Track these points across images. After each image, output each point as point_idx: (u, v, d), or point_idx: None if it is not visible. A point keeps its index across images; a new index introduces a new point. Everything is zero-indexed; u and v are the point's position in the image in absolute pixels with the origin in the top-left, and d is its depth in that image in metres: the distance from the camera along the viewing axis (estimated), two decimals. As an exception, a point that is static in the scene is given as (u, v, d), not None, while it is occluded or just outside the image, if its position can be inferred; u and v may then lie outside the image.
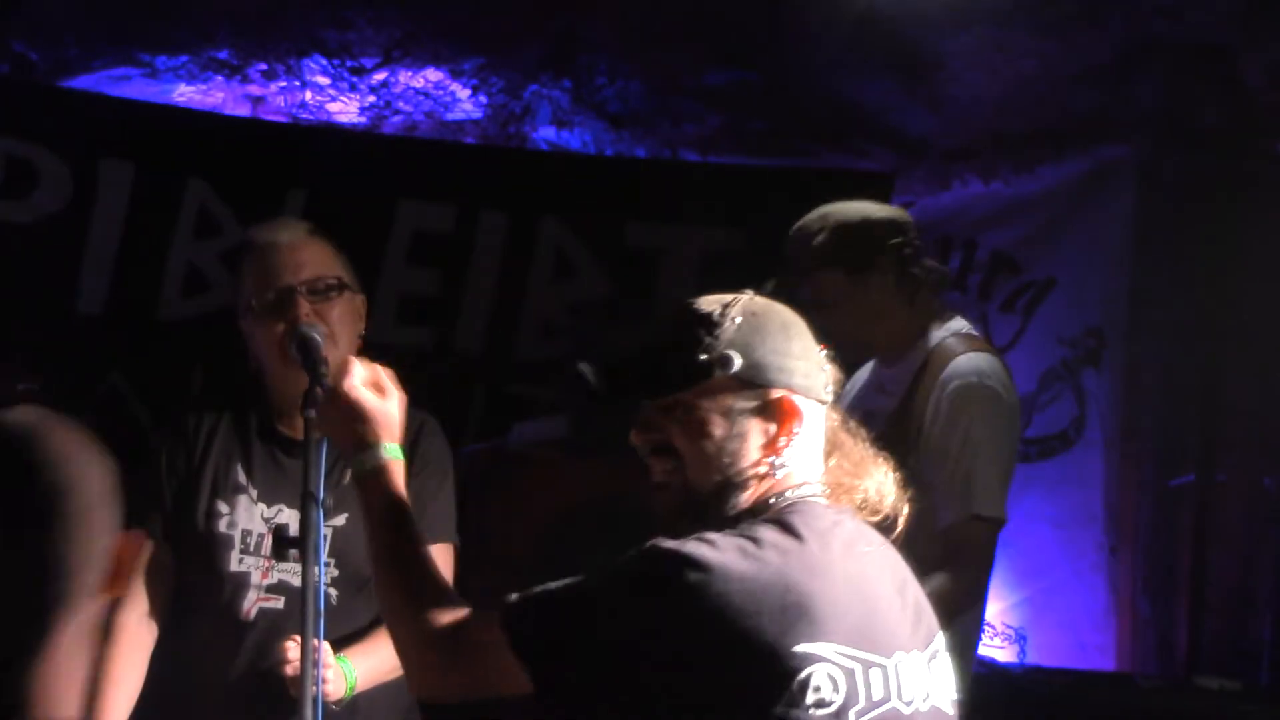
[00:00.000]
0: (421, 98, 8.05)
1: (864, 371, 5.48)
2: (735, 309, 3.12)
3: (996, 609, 7.58)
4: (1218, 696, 6.22)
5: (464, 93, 8.03)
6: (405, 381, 4.18)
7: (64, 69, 7.53)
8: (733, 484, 3.08)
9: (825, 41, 7.55)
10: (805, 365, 3.15)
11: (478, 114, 8.11)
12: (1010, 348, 7.77)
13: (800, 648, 2.82)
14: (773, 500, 3.07)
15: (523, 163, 8.19)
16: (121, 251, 7.30)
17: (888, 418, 5.11)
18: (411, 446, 4.43)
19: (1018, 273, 8.09)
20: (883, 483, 3.27)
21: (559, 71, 7.91)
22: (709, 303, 3.14)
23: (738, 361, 3.05)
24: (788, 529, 2.93)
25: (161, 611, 4.50)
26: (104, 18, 7.40)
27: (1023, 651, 7.79)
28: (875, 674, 2.95)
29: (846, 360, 4.22)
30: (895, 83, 7.82)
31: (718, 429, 3.02)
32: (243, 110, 7.87)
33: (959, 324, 5.34)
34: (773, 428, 3.06)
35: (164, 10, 7.38)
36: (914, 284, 5.30)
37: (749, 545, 2.87)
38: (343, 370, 3.48)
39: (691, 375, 3.03)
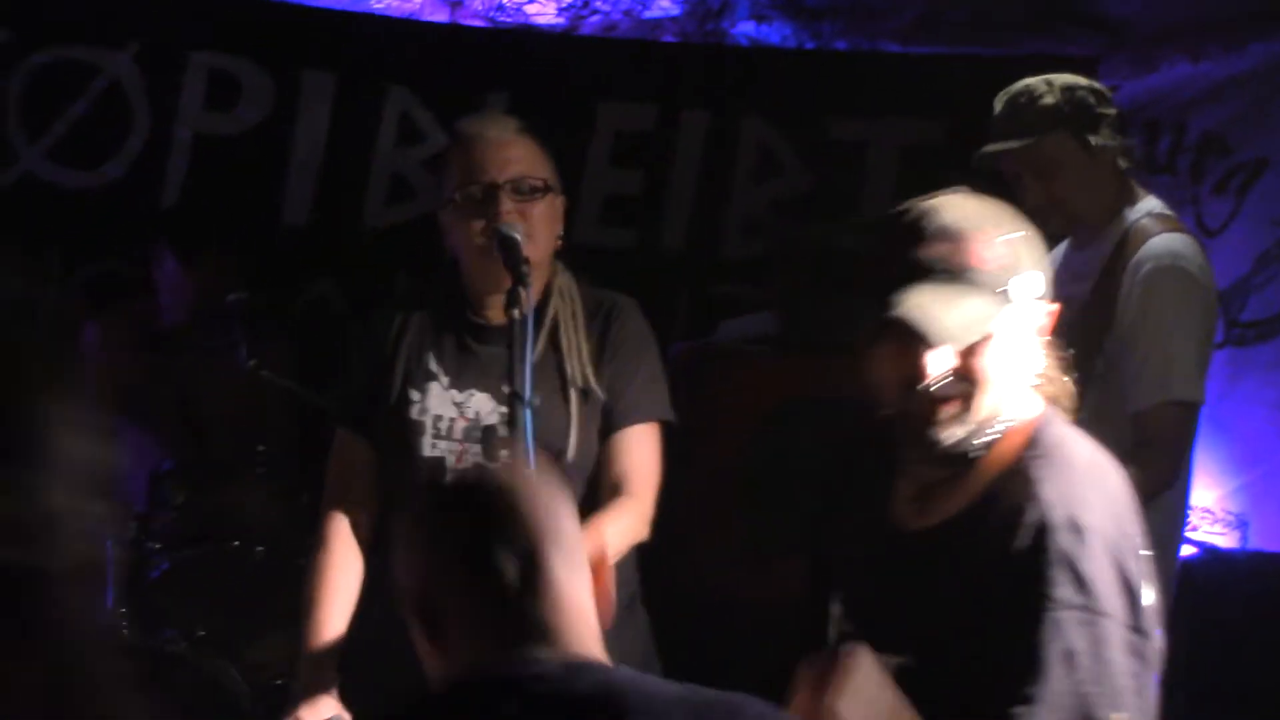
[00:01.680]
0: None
1: (1055, 252, 5.23)
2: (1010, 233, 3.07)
3: (1215, 495, 7.38)
4: None
5: None
6: (610, 282, 4.62)
7: None
8: (1002, 417, 3.07)
9: None
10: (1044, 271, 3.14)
11: (675, 10, 8.10)
12: (1223, 230, 7.52)
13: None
14: (1034, 435, 3.07)
15: (722, 59, 8.07)
16: (325, 161, 7.43)
17: (1082, 305, 5.03)
18: (604, 329, 4.47)
19: (1229, 154, 7.68)
20: (1065, 380, 3.26)
21: None
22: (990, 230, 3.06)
23: (1022, 285, 3.02)
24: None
25: (369, 510, 4.50)
26: None
27: (1244, 537, 7.46)
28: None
29: (1054, 237, 5.00)
30: None
31: (1008, 356, 3.00)
32: (440, 15, 7.90)
33: (1153, 204, 5.21)
34: (1036, 343, 3.09)
35: None
36: (1127, 155, 5.19)
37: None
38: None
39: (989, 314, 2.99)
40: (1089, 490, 3.03)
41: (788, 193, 7.60)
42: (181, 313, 6.79)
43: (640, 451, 4.42)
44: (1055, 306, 3.11)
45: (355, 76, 7.44)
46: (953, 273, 2.97)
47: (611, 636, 3.24)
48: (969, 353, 2.97)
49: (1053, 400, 3.22)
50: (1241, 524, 7.47)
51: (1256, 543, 7.39)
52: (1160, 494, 4.83)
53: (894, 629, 3.15)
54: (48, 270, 7.19)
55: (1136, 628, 2.98)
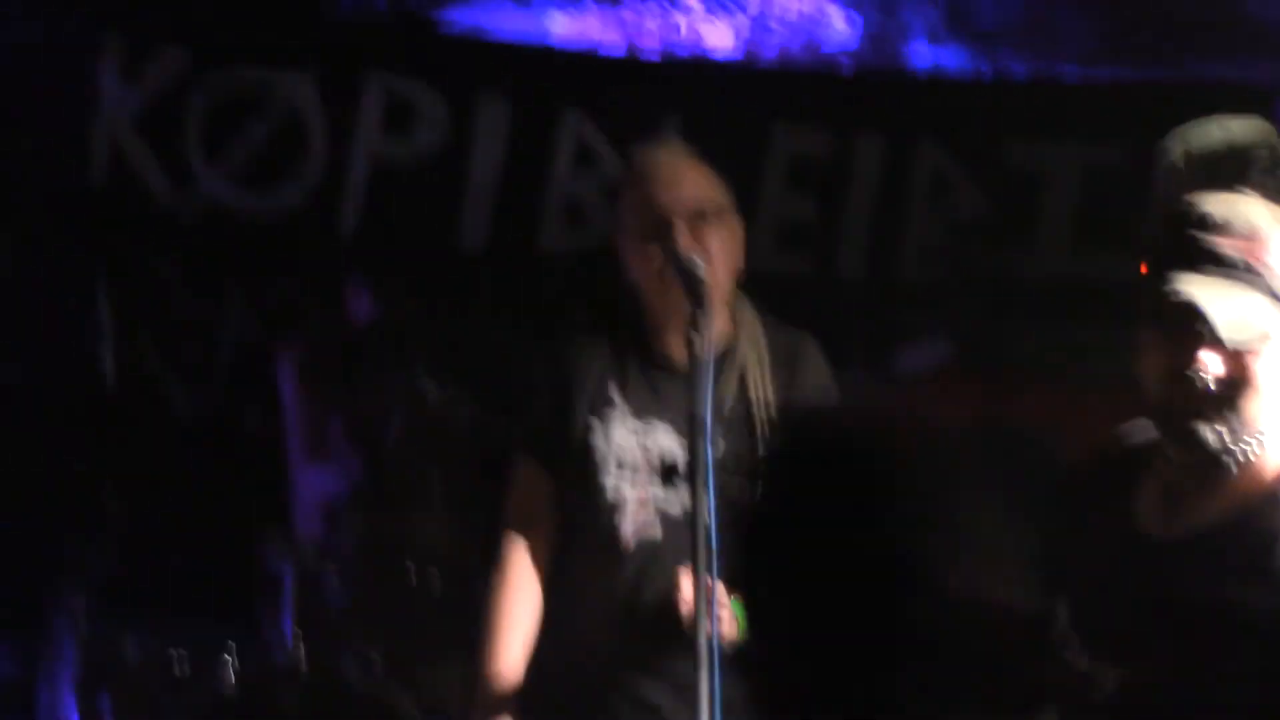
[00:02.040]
0: (797, 22, 7.96)
1: None
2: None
3: None
4: None
5: (838, 15, 7.94)
6: (786, 308, 4.72)
7: (438, 4, 7.63)
8: (1267, 428, 3.06)
9: None
10: None
11: (853, 39, 8.00)
12: None
13: None
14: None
15: (897, 85, 8.05)
16: (501, 187, 7.36)
17: None
18: (791, 368, 4.54)
19: None
20: None
21: None
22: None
23: None
24: None
25: (549, 541, 4.58)
26: None
27: None
28: None
29: None
30: None
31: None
32: (615, 37, 7.79)
33: None
34: None
35: None
36: None
37: None
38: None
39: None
40: None
41: (964, 218, 7.53)
42: (362, 340, 6.96)
43: None
44: None
45: (530, 102, 7.41)
46: (1240, 268, 2.98)
47: None
48: (1244, 352, 2.97)
49: None
50: None
51: None
52: None
53: (1128, 636, 3.14)
54: (234, 295, 7.30)
55: None
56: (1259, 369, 3.01)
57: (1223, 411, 3.00)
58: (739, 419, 4.40)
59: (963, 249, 7.38)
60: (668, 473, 4.48)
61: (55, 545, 6.88)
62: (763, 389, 4.52)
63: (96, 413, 7.22)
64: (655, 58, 7.88)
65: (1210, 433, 3.01)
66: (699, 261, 4.20)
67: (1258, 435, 3.06)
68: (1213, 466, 3.09)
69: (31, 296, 7.14)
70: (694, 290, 4.11)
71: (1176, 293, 2.98)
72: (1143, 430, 3.25)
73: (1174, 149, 4.92)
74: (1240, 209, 3.10)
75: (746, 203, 5.00)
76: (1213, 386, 3.00)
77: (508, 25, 7.65)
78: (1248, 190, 4.40)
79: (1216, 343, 2.97)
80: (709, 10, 7.94)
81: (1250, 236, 3.04)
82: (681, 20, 7.89)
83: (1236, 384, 3.01)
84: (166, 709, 6.39)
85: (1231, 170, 4.72)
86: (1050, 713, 3.22)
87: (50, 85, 7.11)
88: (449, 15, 7.64)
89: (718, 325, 4.32)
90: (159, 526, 6.97)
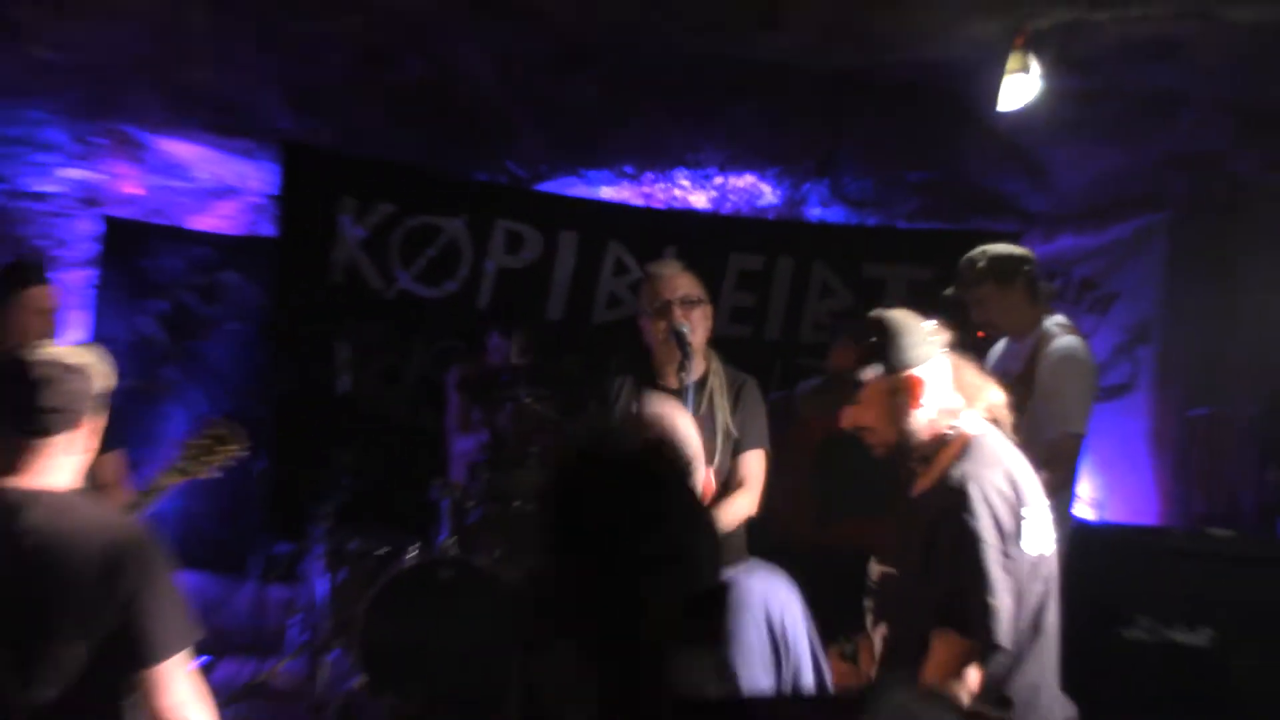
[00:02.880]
0: (743, 193, 9.08)
1: (1000, 345, 6.05)
2: (884, 329, 3.64)
3: (1086, 487, 8.23)
4: (1222, 540, 6.33)
5: (767, 189, 9.04)
6: (735, 359, 5.18)
7: (536, 179, 8.83)
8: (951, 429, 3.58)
9: (979, 156, 8.36)
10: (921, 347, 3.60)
11: (776, 201, 9.14)
12: (1093, 333, 8.37)
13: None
14: (945, 433, 3.59)
15: (801, 228, 9.09)
16: (572, 282, 8.57)
17: (1018, 376, 5.71)
18: (737, 395, 5.04)
19: (1095, 288, 8.81)
20: (994, 394, 3.78)
21: (822, 175, 8.86)
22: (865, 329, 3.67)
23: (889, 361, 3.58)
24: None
25: None
26: (559, 152, 8.64)
27: (1101, 512, 8.46)
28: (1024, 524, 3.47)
29: (992, 339, 5.88)
30: (1021, 178, 8.68)
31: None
32: (638, 200, 8.98)
33: (1059, 318, 5.91)
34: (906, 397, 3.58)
35: (592, 148, 8.62)
36: (1035, 293, 5.85)
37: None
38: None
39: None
40: (985, 469, 3.49)
41: (839, 307, 8.69)
42: (492, 369, 7.71)
43: (753, 465, 5.05)
44: (914, 376, 3.55)
45: (589, 234, 8.51)
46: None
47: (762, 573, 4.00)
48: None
49: (994, 420, 3.71)
50: (1101, 505, 8.58)
51: (1109, 517, 8.47)
52: (1062, 488, 5.52)
53: (900, 559, 3.62)
54: (418, 345, 8.47)
55: (1006, 553, 3.41)
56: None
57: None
58: (707, 421, 4.83)
59: (838, 324, 8.44)
60: None
61: (315, 485, 7.60)
62: (723, 405, 5.04)
63: (341, 410, 8.27)
64: (662, 210, 9.04)
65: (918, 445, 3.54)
66: (686, 329, 4.85)
67: (947, 435, 3.59)
68: (920, 466, 3.59)
69: (302, 347, 8.18)
70: (683, 346, 4.80)
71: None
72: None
73: (977, 256, 5.81)
74: (876, 322, 3.67)
75: (713, 296, 5.48)
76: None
77: (576, 190, 8.87)
78: (1018, 283, 5.65)
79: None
80: (694, 185, 8.97)
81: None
82: (677, 190, 9.06)
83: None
84: (375, 578, 7.06)
85: (1008, 268, 5.77)
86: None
87: (313, 224, 8.17)
88: (541, 186, 8.78)
89: (697, 366, 4.93)
90: (372, 475, 7.81)
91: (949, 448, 3.55)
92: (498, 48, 6.94)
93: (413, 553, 7.23)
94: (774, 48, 6.68)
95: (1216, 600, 6.03)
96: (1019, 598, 3.38)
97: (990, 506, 3.37)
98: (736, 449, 4.99)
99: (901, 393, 3.57)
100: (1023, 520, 3.43)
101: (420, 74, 7.35)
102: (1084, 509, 8.11)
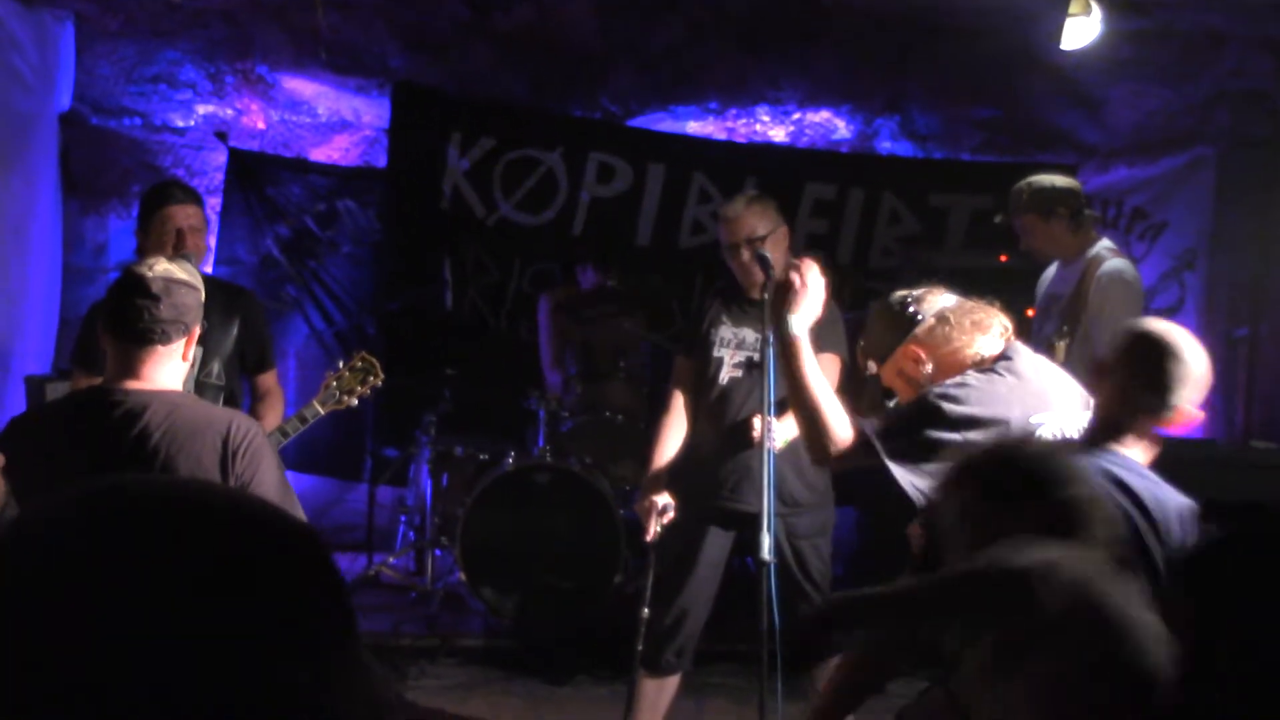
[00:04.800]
0: (818, 127, 9.26)
1: (1051, 269, 6.14)
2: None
3: None
4: (1263, 452, 6.54)
5: (840, 124, 9.28)
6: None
7: (627, 114, 9.08)
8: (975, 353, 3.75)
9: (1039, 94, 8.62)
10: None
11: (849, 136, 9.33)
12: (1143, 259, 8.55)
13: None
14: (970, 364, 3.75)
15: (872, 161, 9.20)
16: (659, 211, 8.77)
17: (1068, 297, 5.82)
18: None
19: (1147, 218, 8.93)
20: (1001, 321, 3.87)
21: (893, 112, 9.13)
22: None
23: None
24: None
25: (689, 398, 5.32)
26: (649, 89, 8.93)
27: None
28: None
29: (1041, 263, 6.07)
30: (1078, 114, 8.90)
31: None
32: (721, 135, 9.20)
33: (1106, 242, 6.00)
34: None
35: (679, 86, 8.90)
36: (1078, 221, 5.93)
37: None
38: (789, 271, 3.98)
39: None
40: (969, 382, 3.66)
41: (905, 233, 8.83)
42: (583, 294, 8.05)
43: (830, 367, 4.97)
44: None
45: (676, 166, 8.71)
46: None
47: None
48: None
49: (1010, 339, 3.84)
50: None
51: None
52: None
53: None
54: (516, 267, 8.75)
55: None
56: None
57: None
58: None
59: (904, 250, 8.55)
60: (749, 351, 5.12)
61: (422, 394, 7.80)
62: None
63: (445, 326, 8.43)
64: (743, 143, 9.19)
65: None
66: (769, 254, 4.87)
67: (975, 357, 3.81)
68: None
69: (412, 265, 8.41)
70: (765, 268, 4.80)
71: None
72: None
73: (1022, 188, 5.97)
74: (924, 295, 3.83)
75: (790, 222, 5.56)
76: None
77: (664, 126, 9.09)
78: (1059, 212, 5.75)
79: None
80: (773, 120, 9.13)
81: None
82: (758, 125, 9.21)
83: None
84: (475, 483, 7.31)
85: (1049, 199, 5.89)
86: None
87: (421, 156, 8.50)
88: (632, 121, 8.99)
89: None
90: (474, 385, 8.02)
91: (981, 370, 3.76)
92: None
93: (511, 458, 7.48)
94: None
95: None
96: None
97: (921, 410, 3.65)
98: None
99: (905, 365, 3.79)
100: (1036, 425, 3.62)
101: (522, 18, 7.69)
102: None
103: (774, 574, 4.31)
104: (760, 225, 5.05)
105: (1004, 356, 3.72)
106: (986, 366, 3.68)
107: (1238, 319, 8.67)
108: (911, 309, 3.79)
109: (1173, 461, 5.61)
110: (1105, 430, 3.42)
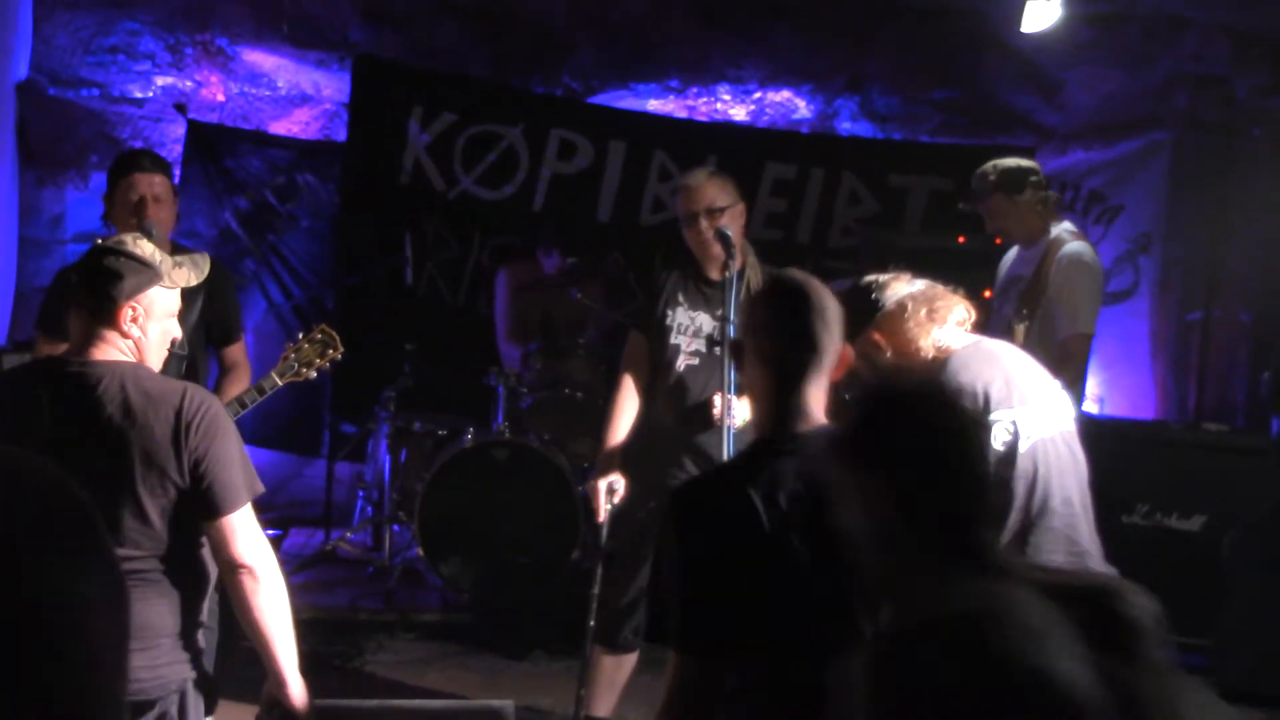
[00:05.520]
0: (779, 107, 9.28)
1: (1012, 252, 6.10)
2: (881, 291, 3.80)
3: (1091, 383, 8.03)
4: (1214, 433, 6.73)
5: (801, 104, 9.29)
6: (768, 260, 5.13)
7: (589, 92, 9.08)
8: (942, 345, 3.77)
9: (998, 76, 8.62)
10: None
11: (809, 116, 9.36)
12: (1099, 242, 8.51)
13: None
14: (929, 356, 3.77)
15: (832, 141, 9.23)
16: (619, 188, 8.71)
17: (1029, 280, 5.79)
18: None
19: (1104, 201, 8.94)
20: (963, 302, 3.89)
21: (853, 92, 9.16)
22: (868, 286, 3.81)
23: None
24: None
25: (644, 374, 5.25)
26: (610, 67, 8.92)
27: (1103, 407, 8.62)
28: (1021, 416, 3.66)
29: (1006, 245, 6.00)
30: (1036, 97, 8.97)
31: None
32: (682, 113, 9.24)
33: (1067, 225, 5.98)
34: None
35: (640, 63, 8.79)
36: (1043, 203, 5.88)
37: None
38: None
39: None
40: (958, 377, 3.73)
41: (865, 214, 8.81)
42: (545, 268, 8.01)
43: None
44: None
45: (637, 143, 8.67)
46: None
47: None
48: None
49: (976, 330, 3.89)
50: (1101, 400, 8.72)
51: (1109, 411, 8.64)
52: (1074, 386, 5.45)
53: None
54: (476, 242, 8.63)
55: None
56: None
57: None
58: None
59: (864, 230, 8.52)
60: (708, 339, 5.04)
61: (381, 369, 7.76)
62: None
63: (403, 300, 8.27)
64: (704, 122, 9.20)
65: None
66: (729, 230, 4.91)
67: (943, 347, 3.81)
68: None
69: (372, 239, 8.25)
70: (726, 245, 4.86)
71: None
72: None
73: (988, 170, 5.90)
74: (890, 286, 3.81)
75: (749, 201, 5.52)
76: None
77: (625, 103, 9.11)
78: (1026, 194, 5.71)
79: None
80: (734, 99, 9.07)
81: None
82: (719, 104, 9.22)
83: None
84: (434, 458, 7.31)
85: (1015, 180, 5.83)
86: None
87: (382, 130, 8.36)
88: (594, 98, 8.96)
89: (738, 261, 4.92)
90: (433, 361, 7.95)
91: (935, 367, 3.78)
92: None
93: (470, 434, 7.45)
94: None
95: (1208, 488, 6.34)
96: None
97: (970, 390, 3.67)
98: None
99: (867, 349, 3.79)
100: (991, 422, 3.66)
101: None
102: (1090, 404, 8.17)
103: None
104: (720, 197, 5.02)
105: (951, 359, 3.76)
106: (943, 365, 3.73)
107: (1191, 303, 8.74)
108: (874, 295, 3.80)
109: (1122, 441, 6.38)
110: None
